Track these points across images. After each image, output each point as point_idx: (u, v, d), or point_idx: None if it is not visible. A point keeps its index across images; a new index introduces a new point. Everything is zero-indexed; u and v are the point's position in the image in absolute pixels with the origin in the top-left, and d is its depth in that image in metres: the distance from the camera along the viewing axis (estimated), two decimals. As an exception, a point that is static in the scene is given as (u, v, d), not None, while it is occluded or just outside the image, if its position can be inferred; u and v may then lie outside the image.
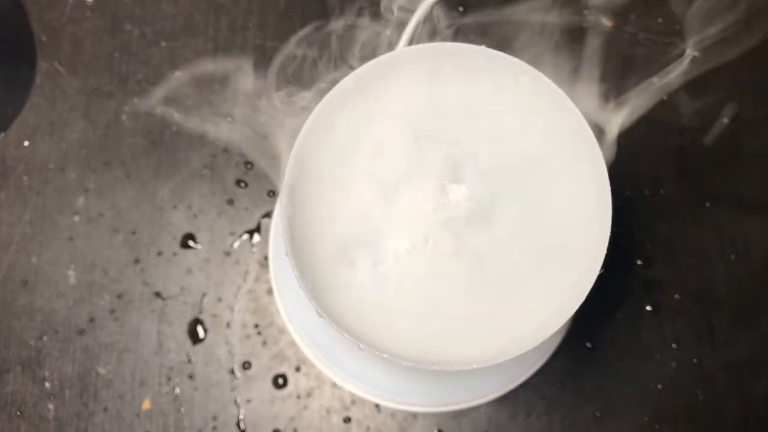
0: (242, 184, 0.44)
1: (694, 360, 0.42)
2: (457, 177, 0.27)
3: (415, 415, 0.41)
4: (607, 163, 0.29)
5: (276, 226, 0.40)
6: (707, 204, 0.44)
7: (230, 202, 0.44)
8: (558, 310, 0.26)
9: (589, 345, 0.42)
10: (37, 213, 0.43)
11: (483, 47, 0.27)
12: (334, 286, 0.27)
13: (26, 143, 0.44)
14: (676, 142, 0.45)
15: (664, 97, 0.45)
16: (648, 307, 0.43)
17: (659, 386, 0.42)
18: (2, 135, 0.44)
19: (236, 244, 0.43)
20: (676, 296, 0.43)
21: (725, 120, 0.45)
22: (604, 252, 0.27)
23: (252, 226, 0.43)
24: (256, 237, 0.43)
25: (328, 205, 0.27)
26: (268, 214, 0.43)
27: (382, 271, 0.27)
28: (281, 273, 0.38)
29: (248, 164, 0.44)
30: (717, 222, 0.44)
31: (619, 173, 0.44)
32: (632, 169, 0.44)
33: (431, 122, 0.27)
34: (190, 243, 0.43)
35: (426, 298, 0.27)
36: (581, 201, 0.28)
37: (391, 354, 0.25)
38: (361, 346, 0.25)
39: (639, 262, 0.43)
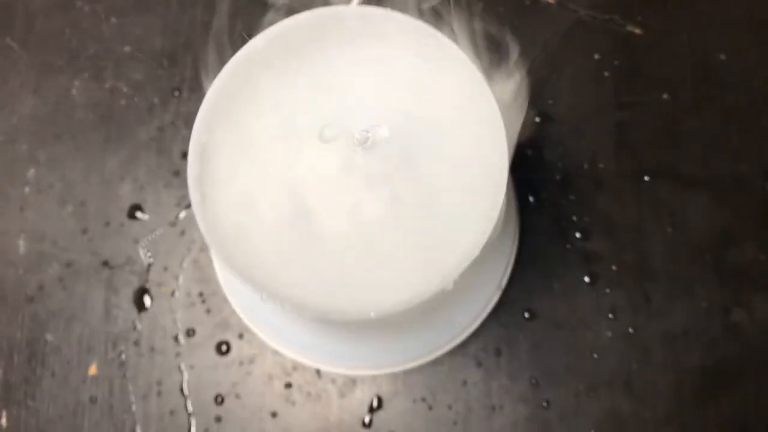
0: (186, 156, 0.45)
1: (630, 330, 0.43)
2: (364, 131, 0.28)
3: (354, 381, 0.42)
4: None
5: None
6: (646, 178, 0.45)
7: (176, 173, 0.45)
8: (460, 257, 0.27)
9: (526, 315, 0.43)
10: (-12, 184, 0.44)
11: (390, 10, 0.28)
12: (240, 238, 0.27)
13: (-22, 116, 0.45)
14: (616, 117, 0.45)
15: (606, 73, 0.46)
16: (586, 278, 0.44)
17: (595, 355, 0.43)
18: (-45, 108, 0.45)
19: (182, 215, 0.44)
20: (613, 268, 0.44)
21: (665, 96, 0.46)
22: (501, 202, 0.28)
23: (198, 197, 0.44)
24: (203, 208, 0.44)
25: (235, 163, 0.28)
26: (214, 186, 0.44)
27: (287, 222, 0.28)
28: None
29: (196, 137, 0.45)
30: (655, 196, 0.45)
31: (558, 147, 0.45)
32: (571, 144, 0.45)
33: (338, 83, 0.28)
34: (137, 214, 0.44)
35: (329, 249, 0.27)
36: (480, 152, 0.28)
37: (293, 304, 0.26)
38: (263, 296, 0.26)
39: (577, 234, 0.44)
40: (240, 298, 0.39)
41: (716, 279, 0.43)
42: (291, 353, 0.40)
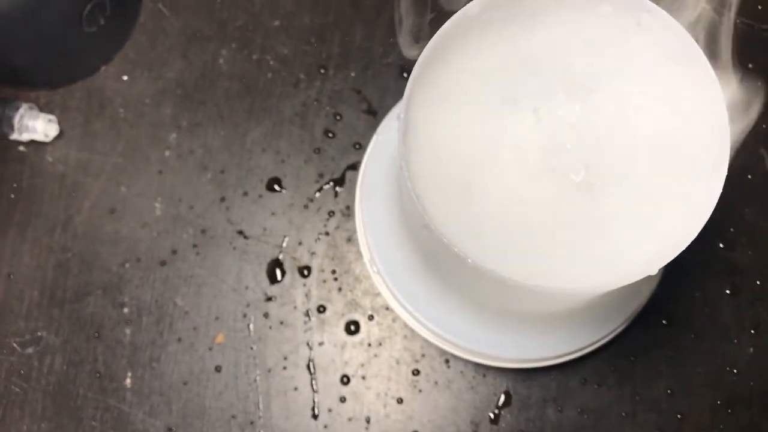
0: (330, 134, 0.45)
1: (772, 347, 0.42)
2: (572, 104, 0.27)
3: (484, 375, 0.41)
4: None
5: (367, 160, 0.41)
6: (796, 193, 0.44)
7: (317, 150, 0.44)
8: (673, 242, 0.26)
9: (665, 322, 0.42)
10: (129, 145, 0.45)
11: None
12: (447, 204, 0.27)
13: (125, 77, 0.45)
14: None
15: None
16: (727, 290, 0.42)
17: (735, 370, 0.41)
18: (104, 68, 0.45)
19: (320, 192, 0.44)
20: (758, 282, 0.42)
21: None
22: (719, 190, 0.27)
23: (337, 175, 0.44)
24: (340, 188, 0.44)
25: (443, 127, 0.28)
26: (353, 166, 0.44)
27: (493, 191, 0.27)
28: (369, 213, 0.39)
29: (337, 115, 0.45)
30: (805, 212, 0.43)
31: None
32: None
33: (548, 54, 0.28)
34: (276, 187, 0.44)
35: (536, 220, 0.27)
36: (698, 142, 0.28)
37: (496, 269, 0.25)
38: (470, 260, 0.25)
39: (721, 245, 0.43)
40: (383, 270, 0.38)
41: None
42: (423, 331, 0.39)
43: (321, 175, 0.44)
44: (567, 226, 0.27)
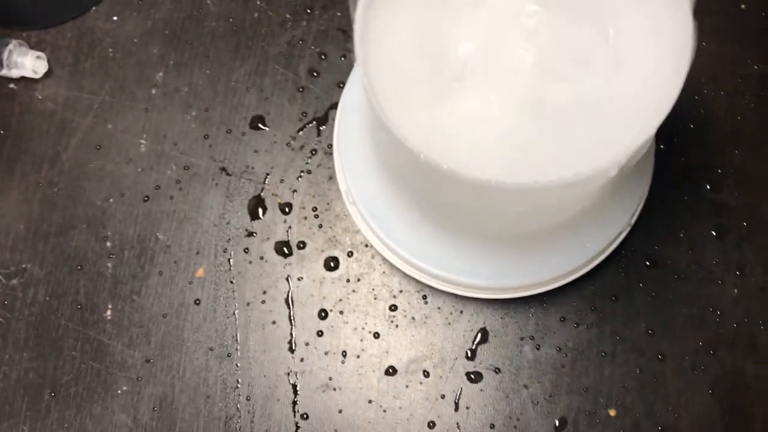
0: (315, 74, 0.45)
1: (759, 289, 0.41)
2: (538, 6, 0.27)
3: (461, 311, 0.41)
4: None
5: (345, 93, 0.41)
6: (786, 135, 0.43)
7: (302, 89, 0.45)
8: (630, 141, 0.25)
9: (647, 263, 0.41)
10: (117, 83, 0.45)
11: None
12: (406, 106, 0.27)
13: (115, 18, 0.46)
14: (759, 69, 0.43)
15: (751, 24, 0.44)
16: (713, 232, 0.42)
17: (718, 312, 0.41)
18: (94, 9, 0.46)
19: (303, 131, 0.44)
20: (744, 223, 0.42)
21: (813, 52, 0.43)
22: (681, 83, 0.26)
23: (320, 114, 0.44)
24: (323, 127, 0.44)
25: (402, 29, 0.28)
26: (336, 105, 0.44)
27: (446, 87, 0.27)
28: (345, 144, 0.38)
29: (322, 55, 0.45)
30: (795, 154, 0.42)
31: (695, 96, 0.44)
32: (709, 94, 0.43)
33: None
34: (259, 125, 0.44)
35: (494, 120, 0.27)
36: (661, 39, 0.27)
37: (450, 168, 0.25)
38: (422, 156, 0.25)
39: (708, 186, 0.42)
40: (359, 202, 0.38)
41: None
42: (400, 262, 0.39)
43: (304, 114, 0.44)
44: (528, 126, 0.26)
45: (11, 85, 0.45)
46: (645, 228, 0.41)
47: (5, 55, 0.43)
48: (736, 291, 0.41)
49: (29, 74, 0.44)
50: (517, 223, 0.33)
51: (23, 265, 0.43)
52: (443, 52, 0.28)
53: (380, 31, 0.27)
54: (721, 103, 0.43)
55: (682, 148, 0.42)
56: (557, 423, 0.40)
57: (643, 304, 0.41)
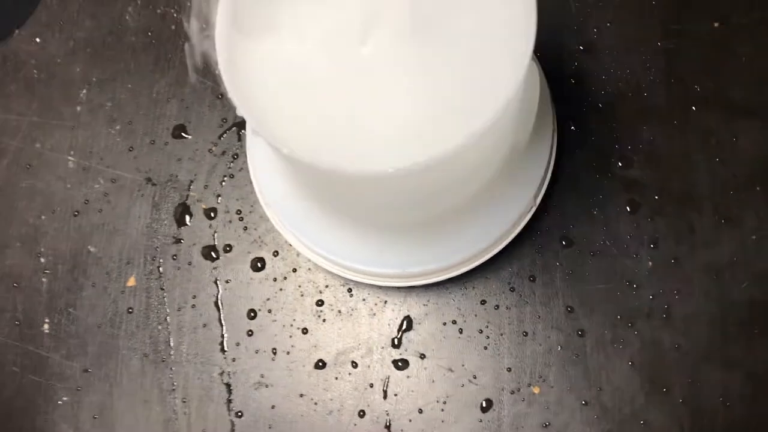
0: (233, 81, 0.46)
1: (672, 260, 0.42)
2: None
3: (385, 301, 0.42)
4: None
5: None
6: (693, 108, 0.43)
7: (220, 96, 0.46)
8: (486, 115, 0.26)
9: (563, 242, 0.42)
10: (43, 104, 0.46)
11: None
12: (264, 97, 0.28)
13: (38, 39, 0.47)
14: (663, 45, 0.44)
15: (653, 1, 0.45)
16: (627, 208, 0.42)
17: (634, 285, 0.41)
18: (17, 32, 0.47)
19: (224, 136, 0.45)
20: (656, 197, 0.42)
21: (716, 24, 0.44)
22: (529, 53, 0.27)
23: (240, 119, 0.45)
24: (243, 131, 0.45)
25: (264, 24, 0.29)
26: (255, 109, 0.45)
27: (310, 77, 0.28)
28: (253, 147, 0.40)
29: (240, 62, 0.46)
30: (703, 126, 0.43)
31: (602, 76, 0.44)
32: (616, 73, 0.44)
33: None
34: (182, 134, 0.45)
35: (350, 103, 0.28)
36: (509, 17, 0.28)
37: (304, 158, 0.26)
38: (285, 151, 0.26)
39: (619, 163, 0.43)
40: (276, 207, 0.39)
41: (767, 210, 0.42)
42: (317, 258, 0.40)
43: (224, 120, 0.45)
44: (380, 106, 0.27)
45: (-60, 112, 0.46)
46: (559, 208, 0.42)
47: (-70, 84, 0.45)
48: (650, 263, 0.42)
49: (-44, 100, 0.46)
50: (414, 210, 0.34)
51: (-39, 286, 0.44)
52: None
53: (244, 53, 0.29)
54: (627, 81, 0.44)
55: (591, 128, 0.43)
56: (483, 404, 0.41)
57: (560, 282, 0.42)
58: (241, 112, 0.28)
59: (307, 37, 0.29)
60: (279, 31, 0.29)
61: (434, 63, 0.28)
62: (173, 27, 0.47)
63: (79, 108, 0.46)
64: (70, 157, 0.45)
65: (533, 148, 0.37)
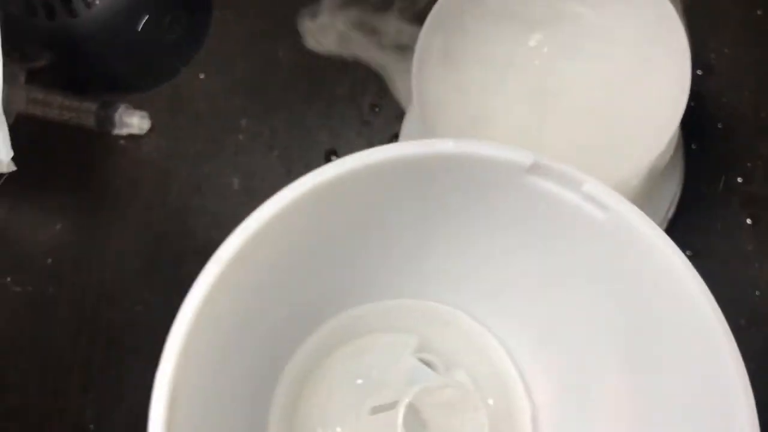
0: (376, 109, 0.51)
1: (793, 269, 0.45)
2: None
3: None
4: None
5: (405, 123, 0.47)
6: (811, 125, 0.47)
7: (365, 123, 0.51)
8: (638, 161, 0.30)
9: (689, 253, 0.46)
10: (209, 133, 0.52)
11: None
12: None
13: (202, 76, 0.53)
14: (780, 67, 0.48)
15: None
16: (748, 220, 0.46)
17: (757, 292, 0.45)
18: (183, 69, 0.54)
19: (370, 159, 0.50)
20: (776, 210, 0.46)
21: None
22: (681, 113, 0.31)
23: (384, 142, 0.50)
24: (388, 154, 0.50)
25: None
26: (396, 135, 0.50)
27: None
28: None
29: (381, 92, 0.51)
30: (820, 143, 0.46)
31: (721, 98, 0.48)
32: (734, 94, 0.48)
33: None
34: (333, 157, 0.51)
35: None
36: (662, 79, 0.32)
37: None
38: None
39: (739, 179, 0.46)
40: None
41: None
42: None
43: (370, 144, 0.51)
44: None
45: (121, 142, 0.53)
46: (684, 223, 0.46)
47: (117, 118, 0.51)
48: (772, 272, 0.45)
49: (136, 131, 0.52)
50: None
51: (144, 295, 0.50)
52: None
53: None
54: (746, 102, 0.47)
55: (711, 146, 0.47)
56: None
57: (686, 289, 0.45)
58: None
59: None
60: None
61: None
62: (321, 62, 0.52)
63: (240, 136, 0.52)
64: (235, 179, 0.51)
65: (666, 171, 0.41)
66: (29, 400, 0.48)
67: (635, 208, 0.25)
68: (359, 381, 0.33)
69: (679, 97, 0.32)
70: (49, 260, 0.51)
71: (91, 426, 0.47)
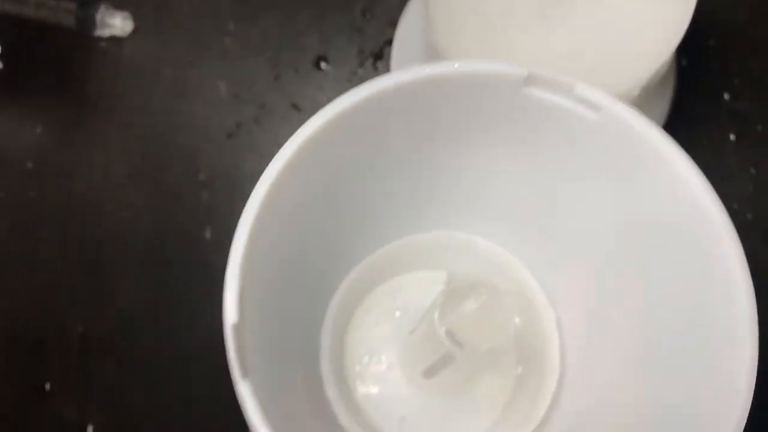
0: (367, 15, 0.50)
1: (772, 185, 0.46)
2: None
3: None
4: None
5: (398, 31, 0.47)
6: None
7: (358, 29, 0.50)
8: (647, 64, 0.31)
9: (673, 167, 0.47)
10: (194, 36, 0.51)
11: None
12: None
13: (186, -25, 0.51)
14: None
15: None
16: (732, 136, 0.47)
17: (735, 205, 0.46)
18: (167, -32, 0.51)
19: (362, 67, 0.50)
20: (759, 127, 0.47)
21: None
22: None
23: (376, 50, 0.50)
24: (379, 62, 0.50)
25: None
26: (389, 41, 0.49)
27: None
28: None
29: (374, -2, 0.50)
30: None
31: (715, 14, 0.48)
32: (727, 10, 0.48)
33: None
34: (322, 64, 0.50)
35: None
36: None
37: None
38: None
39: (726, 96, 0.47)
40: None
41: None
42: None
43: (361, 52, 0.50)
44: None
45: (102, 44, 0.51)
46: (671, 136, 0.47)
47: (98, 18, 0.49)
48: (751, 188, 0.46)
49: (118, 33, 0.50)
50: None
51: (130, 200, 0.50)
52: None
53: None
54: (741, 20, 0.48)
55: (702, 63, 0.47)
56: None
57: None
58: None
59: None
60: None
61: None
62: (312, -36, 0.51)
63: (227, 39, 0.51)
64: (221, 84, 0.50)
65: (659, 87, 0.42)
66: (13, 305, 0.48)
67: (627, 107, 0.26)
68: (397, 314, 0.36)
69: (685, 8, 0.32)
70: (30, 164, 0.50)
71: (80, 329, 0.47)
